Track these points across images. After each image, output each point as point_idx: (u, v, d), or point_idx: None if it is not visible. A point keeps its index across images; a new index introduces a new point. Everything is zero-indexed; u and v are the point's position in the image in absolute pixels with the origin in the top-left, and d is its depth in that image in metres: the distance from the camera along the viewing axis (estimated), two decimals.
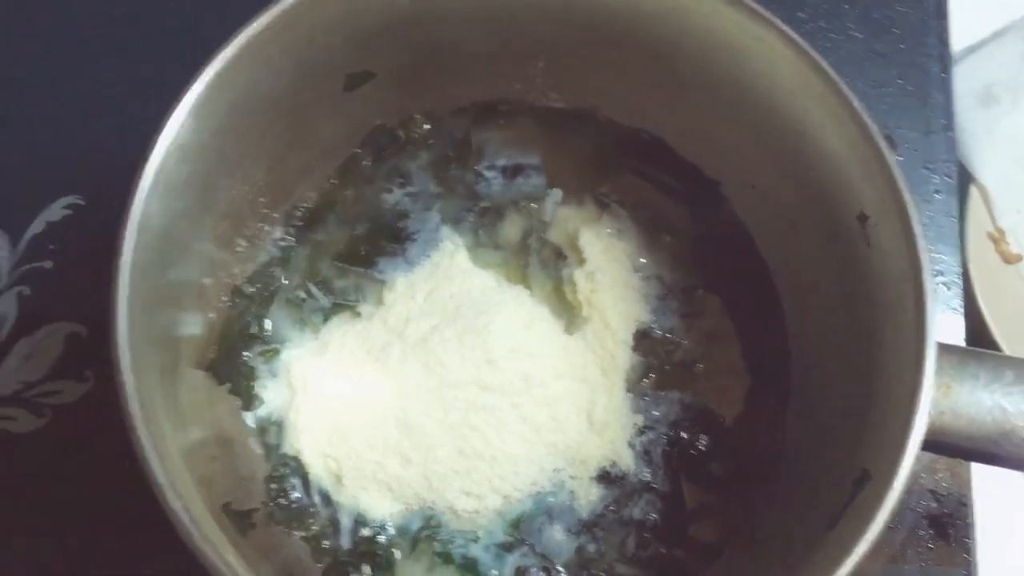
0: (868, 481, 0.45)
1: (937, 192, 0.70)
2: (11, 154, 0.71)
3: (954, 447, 0.46)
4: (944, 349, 0.45)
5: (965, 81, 0.83)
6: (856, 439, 0.48)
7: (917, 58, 0.73)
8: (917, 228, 0.45)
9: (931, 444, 0.45)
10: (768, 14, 0.49)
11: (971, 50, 0.86)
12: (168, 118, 0.46)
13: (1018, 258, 0.82)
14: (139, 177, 0.45)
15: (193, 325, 0.56)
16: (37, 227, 0.70)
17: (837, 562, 0.42)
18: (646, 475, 0.61)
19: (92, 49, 0.73)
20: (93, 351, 0.67)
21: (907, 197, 0.46)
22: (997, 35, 0.86)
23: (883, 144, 0.47)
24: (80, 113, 0.72)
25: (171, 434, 0.47)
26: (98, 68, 0.73)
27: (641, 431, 0.62)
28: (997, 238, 0.82)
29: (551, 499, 0.61)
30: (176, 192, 0.49)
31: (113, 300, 0.44)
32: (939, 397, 0.45)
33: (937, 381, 0.45)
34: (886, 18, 0.73)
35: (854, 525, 0.43)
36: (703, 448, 0.61)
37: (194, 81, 0.46)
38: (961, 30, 0.80)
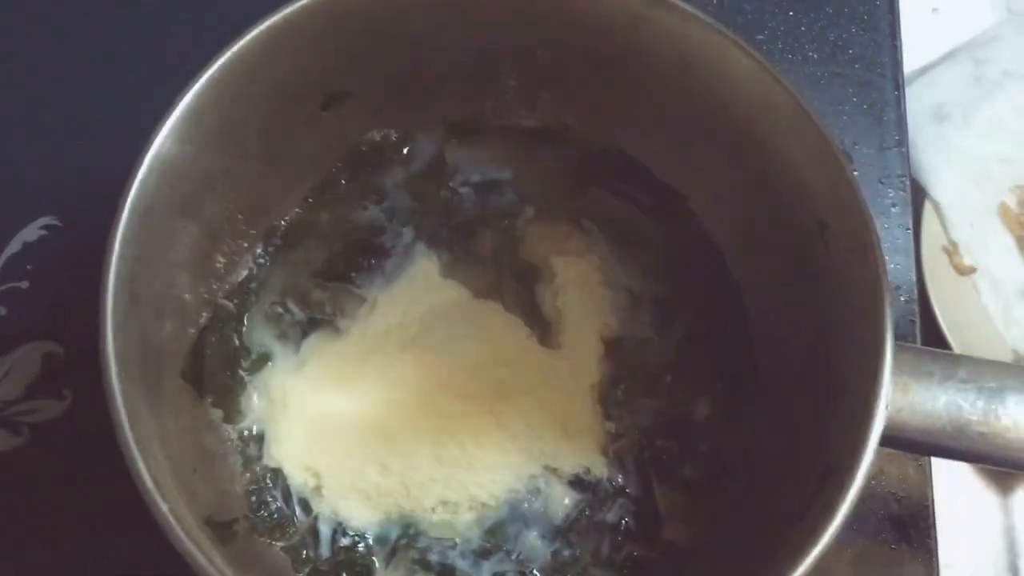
0: (832, 476, 0.47)
1: (893, 205, 0.73)
2: None
3: (912, 442, 0.48)
4: (901, 348, 0.48)
5: (918, 100, 0.86)
6: (820, 436, 0.50)
7: (871, 77, 0.76)
8: (874, 232, 0.48)
9: (890, 439, 0.47)
10: (731, 33, 0.51)
11: (923, 70, 0.90)
12: (155, 135, 0.47)
13: (971, 270, 0.84)
14: (126, 192, 0.47)
15: (174, 339, 0.57)
16: (14, 247, 0.70)
17: (804, 552, 0.44)
18: (619, 481, 0.62)
19: (68, 70, 0.75)
20: (70, 370, 0.68)
21: (864, 203, 0.48)
22: (948, 55, 0.90)
23: (840, 153, 0.49)
24: (57, 134, 0.73)
25: (156, 444, 0.47)
26: (74, 89, 0.74)
27: (614, 438, 0.63)
28: (951, 251, 0.85)
29: (526, 505, 0.62)
30: (159, 208, 0.50)
31: (103, 309, 0.45)
32: (897, 394, 0.47)
33: (895, 379, 0.47)
34: (841, 39, 0.76)
35: (819, 517, 0.45)
36: (674, 453, 0.62)
37: (180, 99, 0.48)
38: (913, 51, 0.83)
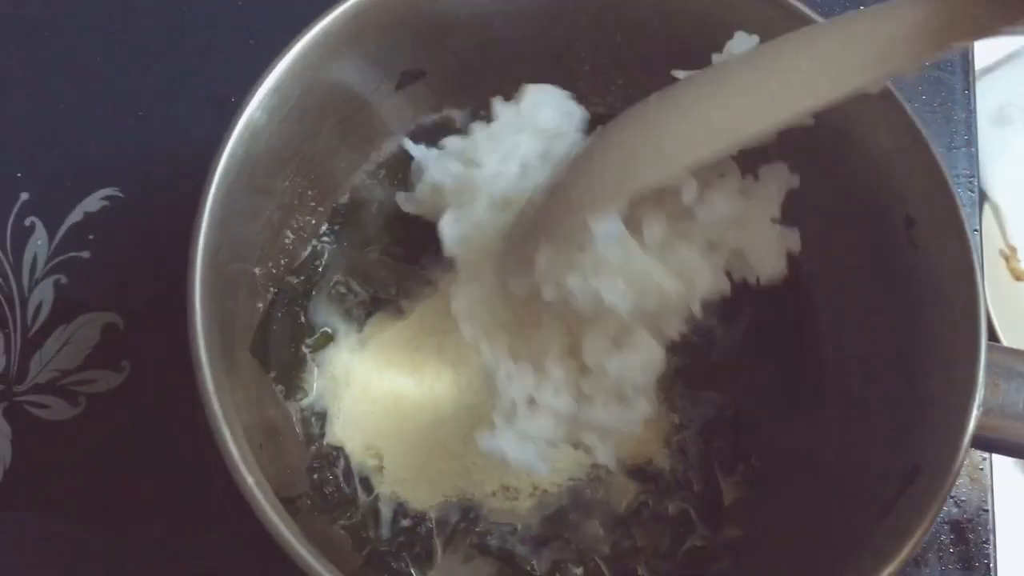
0: (919, 475, 0.47)
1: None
2: (51, 145, 0.72)
3: (1002, 443, 0.48)
4: (992, 348, 0.47)
5: (980, 101, 0.85)
6: (904, 436, 0.50)
7: (941, 76, 0.75)
8: (968, 229, 0.47)
9: (980, 440, 0.46)
10: (815, 14, 0.50)
11: (986, 71, 0.88)
12: (245, 105, 0.47)
13: None
14: (215, 162, 0.46)
15: (244, 314, 0.57)
16: (75, 217, 0.70)
17: (894, 550, 0.43)
18: (681, 473, 0.62)
19: (133, 45, 0.74)
20: (130, 341, 0.68)
21: (957, 199, 0.47)
22: (1011, 57, 0.89)
23: (934, 147, 0.48)
24: (120, 106, 0.73)
25: (237, 421, 0.47)
26: (137, 63, 0.74)
27: (677, 430, 0.63)
28: (1009, 255, 0.84)
29: (588, 493, 0.61)
30: (244, 181, 0.50)
31: (191, 279, 0.44)
32: (988, 395, 0.47)
33: (986, 379, 0.46)
34: None
35: (908, 516, 0.45)
36: (738, 446, 0.62)
37: (269, 70, 0.48)
38: (977, 51, 0.82)
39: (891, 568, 0.43)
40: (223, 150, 0.46)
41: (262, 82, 0.47)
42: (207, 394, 0.43)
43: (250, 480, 0.42)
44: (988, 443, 0.48)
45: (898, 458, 0.48)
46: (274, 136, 0.51)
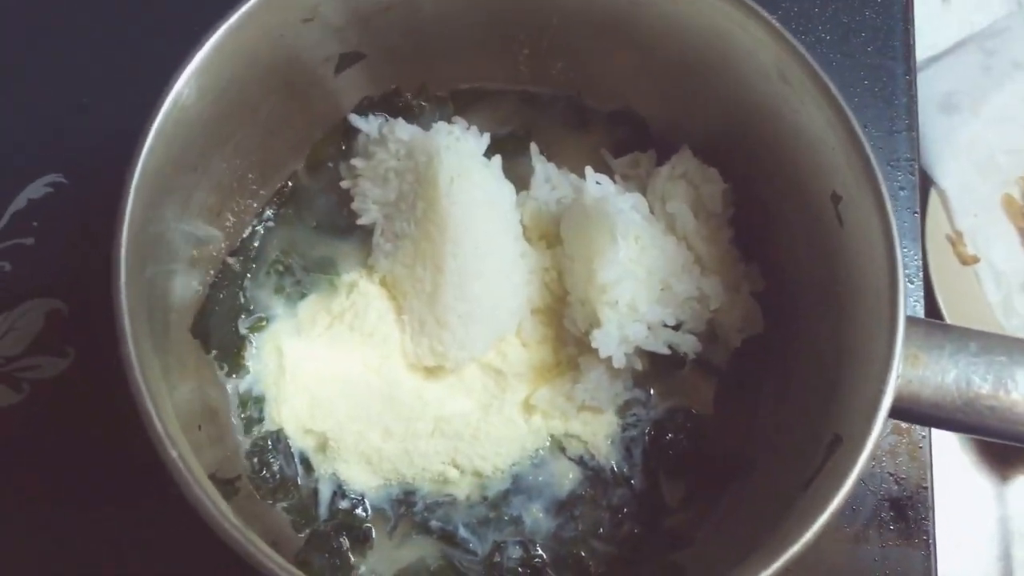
0: (840, 445, 0.47)
1: (901, 189, 0.73)
2: None
3: (920, 414, 0.49)
4: (912, 321, 0.48)
5: (926, 89, 0.86)
6: (827, 408, 0.50)
7: (883, 61, 0.76)
8: (888, 205, 0.48)
9: (899, 411, 0.47)
10: (751, 2, 0.51)
11: (933, 60, 0.89)
12: (172, 83, 0.47)
13: (975, 260, 0.84)
14: (141, 140, 0.47)
15: (182, 295, 0.57)
16: (19, 203, 0.70)
17: (813, 516, 0.44)
18: (624, 469, 0.62)
19: (73, 29, 0.74)
20: (74, 327, 0.68)
21: (879, 175, 0.48)
22: (958, 45, 0.90)
23: (857, 125, 0.49)
24: (63, 92, 0.72)
25: (166, 396, 0.47)
26: (80, 48, 0.74)
27: (623, 428, 0.63)
28: (955, 240, 0.84)
29: (530, 478, 0.62)
30: (174, 160, 0.50)
31: (115, 259, 0.44)
32: (907, 366, 0.47)
33: (905, 351, 0.47)
34: (854, 22, 0.76)
35: (828, 483, 0.45)
36: (683, 443, 0.62)
37: (200, 44, 0.48)
38: (923, 41, 0.83)
39: (810, 533, 0.43)
40: (150, 126, 0.46)
41: (191, 59, 0.47)
42: (131, 368, 0.43)
43: (174, 454, 0.42)
44: (908, 414, 0.48)
45: (821, 430, 0.49)
46: (206, 116, 0.51)
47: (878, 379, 0.46)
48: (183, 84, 0.47)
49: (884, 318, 0.47)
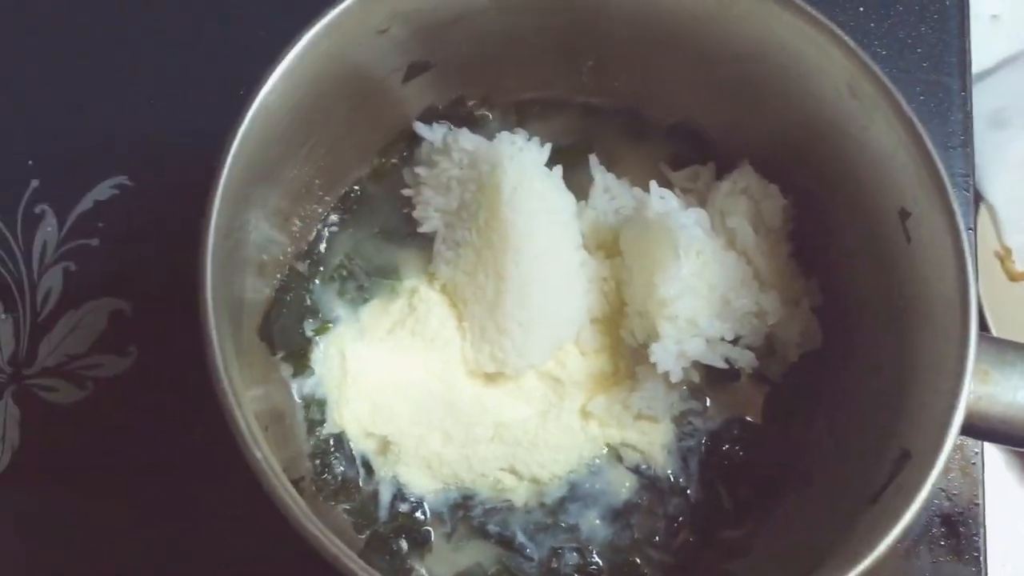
0: (908, 460, 0.48)
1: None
2: (62, 134, 0.73)
3: (990, 431, 0.49)
4: (983, 338, 0.48)
5: (977, 104, 0.86)
6: (892, 422, 0.51)
7: (939, 77, 0.76)
8: (960, 223, 0.48)
9: (968, 428, 0.47)
10: (821, 16, 0.52)
11: (983, 75, 0.89)
12: (259, 88, 0.48)
13: (1023, 276, 0.84)
14: (228, 143, 0.47)
15: (252, 298, 0.58)
16: (85, 205, 0.71)
17: (884, 530, 0.44)
18: (680, 478, 0.63)
19: (145, 35, 0.75)
20: (137, 327, 0.69)
21: (951, 193, 0.48)
22: (1009, 61, 0.90)
23: (929, 142, 0.49)
24: (132, 96, 0.74)
25: (248, 399, 0.48)
26: (150, 53, 0.75)
27: (680, 437, 0.64)
28: (1003, 256, 0.85)
29: (588, 486, 0.63)
30: (254, 166, 0.51)
31: (202, 260, 0.45)
32: (977, 383, 0.48)
33: (976, 368, 0.47)
34: (910, 37, 0.77)
35: (897, 498, 0.46)
36: (739, 454, 0.63)
37: (283, 54, 0.48)
38: (972, 56, 0.83)
39: (879, 550, 0.44)
40: (235, 132, 0.47)
41: (276, 66, 0.48)
42: (217, 371, 0.44)
43: (258, 454, 0.43)
44: (977, 431, 0.49)
45: (888, 445, 0.50)
46: (285, 121, 0.52)
47: (949, 394, 0.46)
48: (268, 90, 0.48)
49: (955, 334, 0.47)
